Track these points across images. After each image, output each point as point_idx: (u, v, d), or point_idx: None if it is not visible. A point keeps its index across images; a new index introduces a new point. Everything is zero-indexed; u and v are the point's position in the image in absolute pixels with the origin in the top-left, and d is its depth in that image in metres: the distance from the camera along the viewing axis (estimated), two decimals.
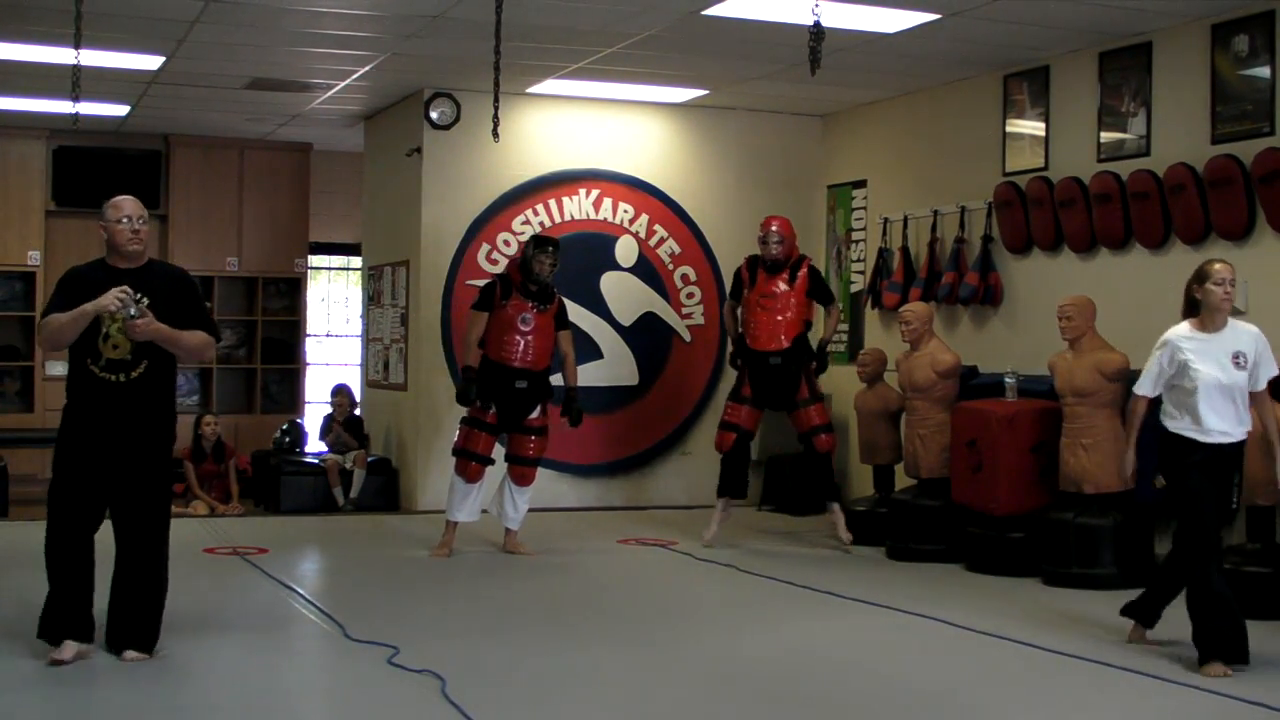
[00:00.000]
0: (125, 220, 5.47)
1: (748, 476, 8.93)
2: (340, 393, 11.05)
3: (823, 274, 8.63)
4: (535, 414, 8.32)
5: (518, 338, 8.14)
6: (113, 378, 5.39)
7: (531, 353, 8.17)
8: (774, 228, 8.58)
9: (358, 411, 11.13)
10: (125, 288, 5.28)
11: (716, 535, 8.73)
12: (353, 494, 10.51)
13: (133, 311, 5.25)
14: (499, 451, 8.47)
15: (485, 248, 10.34)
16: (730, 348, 9.04)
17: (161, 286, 5.50)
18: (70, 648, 5.38)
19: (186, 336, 5.47)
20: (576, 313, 9.79)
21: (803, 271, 8.56)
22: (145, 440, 5.49)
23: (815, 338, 8.86)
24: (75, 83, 7.17)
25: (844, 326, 10.84)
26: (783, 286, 8.53)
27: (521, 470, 8.37)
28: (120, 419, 5.43)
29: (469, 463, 8.28)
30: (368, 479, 10.57)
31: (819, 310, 8.80)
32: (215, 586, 7.11)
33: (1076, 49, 8.54)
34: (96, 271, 5.51)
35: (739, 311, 8.80)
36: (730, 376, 9.26)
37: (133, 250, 5.48)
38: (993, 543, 7.84)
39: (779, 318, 8.50)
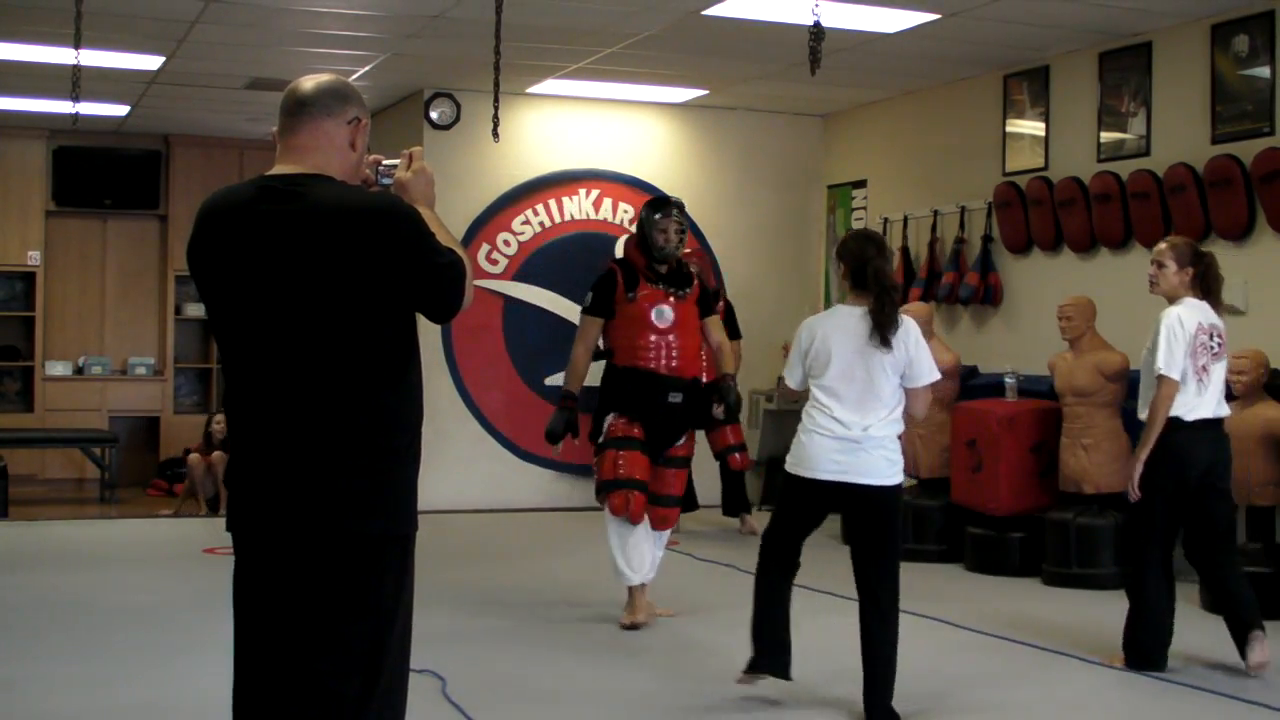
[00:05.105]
0: None
1: (746, 493, 9.50)
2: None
3: (728, 306, 9.20)
4: (682, 442, 6.44)
5: (654, 338, 6.23)
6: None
7: (677, 356, 6.27)
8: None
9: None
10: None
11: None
12: None
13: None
14: None
15: (485, 248, 10.33)
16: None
17: None
18: None
19: None
20: (576, 314, 9.72)
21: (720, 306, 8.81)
22: None
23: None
24: (75, 83, 7.18)
25: None
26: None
27: (663, 513, 6.40)
28: None
29: (630, 492, 6.17)
30: None
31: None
32: (216, 586, 7.08)
33: (1076, 49, 8.54)
34: None
35: None
36: None
37: None
38: (993, 543, 7.85)
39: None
